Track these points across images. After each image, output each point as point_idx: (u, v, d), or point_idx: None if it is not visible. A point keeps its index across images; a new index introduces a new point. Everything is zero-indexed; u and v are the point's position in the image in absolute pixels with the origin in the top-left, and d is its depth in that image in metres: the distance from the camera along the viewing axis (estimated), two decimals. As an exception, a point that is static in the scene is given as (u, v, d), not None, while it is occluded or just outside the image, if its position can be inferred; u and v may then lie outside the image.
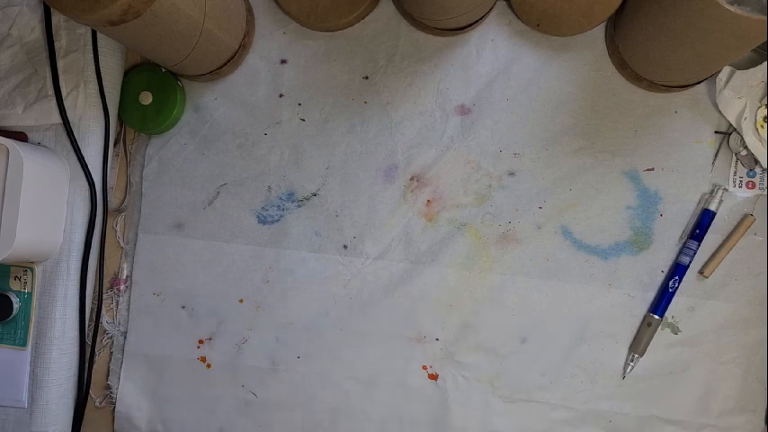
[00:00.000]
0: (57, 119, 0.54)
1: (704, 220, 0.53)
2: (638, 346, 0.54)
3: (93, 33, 0.54)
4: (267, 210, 0.57)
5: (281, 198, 0.57)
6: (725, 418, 0.54)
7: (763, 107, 0.52)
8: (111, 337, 0.58)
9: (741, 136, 0.53)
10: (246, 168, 0.57)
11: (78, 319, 0.55)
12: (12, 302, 0.54)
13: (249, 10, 0.56)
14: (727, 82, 0.52)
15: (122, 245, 0.58)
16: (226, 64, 0.56)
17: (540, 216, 0.55)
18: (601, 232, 0.55)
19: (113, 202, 0.58)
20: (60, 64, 0.54)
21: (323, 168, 0.57)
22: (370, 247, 0.56)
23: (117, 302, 0.58)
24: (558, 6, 0.50)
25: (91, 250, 0.55)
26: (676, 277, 0.53)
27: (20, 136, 0.55)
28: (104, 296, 0.58)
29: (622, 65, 0.53)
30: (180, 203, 0.58)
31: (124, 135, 0.58)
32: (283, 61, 0.57)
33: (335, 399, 0.57)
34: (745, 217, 0.54)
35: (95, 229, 0.55)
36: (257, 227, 0.57)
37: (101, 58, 0.54)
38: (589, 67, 0.55)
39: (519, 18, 0.54)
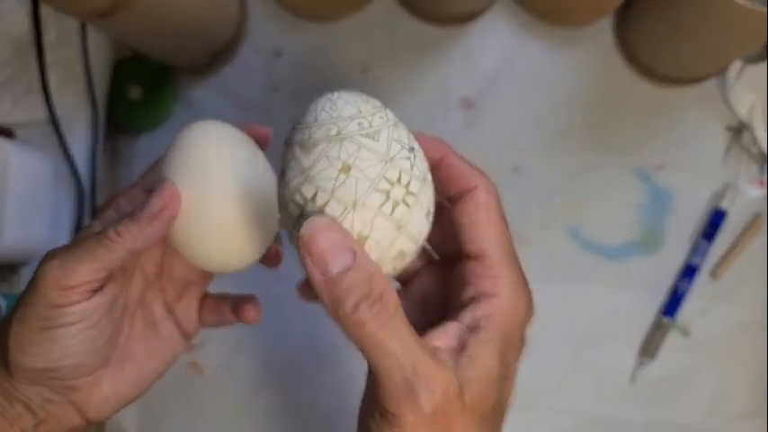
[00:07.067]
0: (44, 115, 0.53)
1: (715, 220, 0.52)
2: (647, 349, 0.53)
3: (82, 27, 0.53)
4: (262, 209, 0.56)
5: (276, 196, 0.56)
6: (735, 422, 0.53)
7: (774, 102, 0.52)
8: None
9: (752, 132, 0.52)
10: (241, 166, 0.56)
11: (66, 321, 0.54)
12: (-2, 305, 0.53)
13: (242, 1, 0.55)
14: (738, 77, 0.52)
15: (112, 245, 0.57)
16: (218, 56, 0.55)
17: (546, 215, 0.54)
18: (609, 232, 0.54)
19: (102, 201, 0.57)
20: (48, 58, 0.53)
21: (320, 165, 0.56)
22: (370, 247, 0.55)
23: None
24: (564, -3, 0.50)
25: (79, 251, 0.54)
26: (687, 278, 0.52)
27: (7, 132, 0.53)
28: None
29: (631, 58, 0.53)
30: (172, 202, 0.57)
31: (113, 132, 0.57)
32: (278, 54, 0.56)
33: (334, 402, 0.55)
34: (756, 218, 0.53)
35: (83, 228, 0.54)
36: (252, 226, 0.56)
37: (90, 52, 0.53)
38: (597, 60, 0.54)
39: (524, 9, 0.54)
